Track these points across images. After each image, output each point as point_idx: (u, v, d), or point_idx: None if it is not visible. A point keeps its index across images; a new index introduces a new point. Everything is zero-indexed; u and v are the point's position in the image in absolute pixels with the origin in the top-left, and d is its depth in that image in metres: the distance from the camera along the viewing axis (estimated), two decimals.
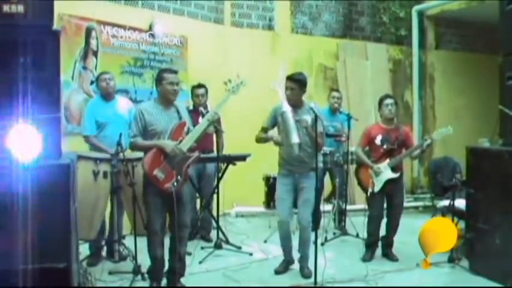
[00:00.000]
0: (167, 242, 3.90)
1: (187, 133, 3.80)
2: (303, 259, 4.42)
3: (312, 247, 4.09)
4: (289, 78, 4.30)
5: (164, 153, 3.68)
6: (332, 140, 5.73)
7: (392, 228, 4.89)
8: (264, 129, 4.40)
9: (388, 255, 4.89)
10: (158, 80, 3.84)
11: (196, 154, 3.84)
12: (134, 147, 3.81)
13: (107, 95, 4.61)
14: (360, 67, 7.94)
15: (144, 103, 4.27)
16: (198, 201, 5.66)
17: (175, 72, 3.94)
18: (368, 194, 4.82)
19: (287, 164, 4.32)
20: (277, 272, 4.43)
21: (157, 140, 3.73)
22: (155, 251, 3.77)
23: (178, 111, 3.86)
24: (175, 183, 3.68)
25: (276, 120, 4.35)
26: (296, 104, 4.27)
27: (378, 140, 4.85)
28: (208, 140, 5.25)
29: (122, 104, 4.69)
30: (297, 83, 4.26)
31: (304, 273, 4.35)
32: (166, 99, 3.82)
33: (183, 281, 3.95)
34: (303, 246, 4.42)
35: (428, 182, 8.41)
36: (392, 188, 4.81)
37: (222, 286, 4.12)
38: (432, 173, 7.90)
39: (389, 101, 4.89)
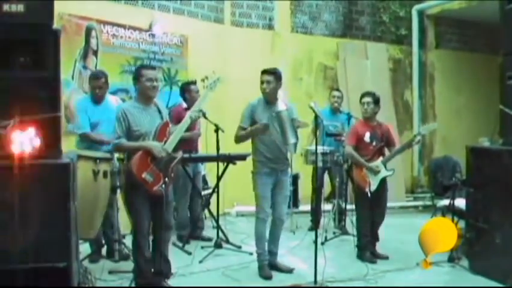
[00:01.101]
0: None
1: (170, 133, 3.73)
2: (275, 255, 4.44)
3: (311, 246, 4.08)
4: (265, 71, 4.24)
5: (151, 155, 3.59)
6: (332, 139, 5.73)
7: (379, 225, 4.87)
8: (243, 129, 4.25)
9: (375, 254, 4.82)
10: (136, 77, 3.71)
11: (180, 155, 3.80)
12: (119, 148, 3.75)
13: (98, 99, 4.59)
14: (360, 66, 7.93)
15: (125, 103, 4.19)
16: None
17: (154, 68, 3.84)
18: (369, 194, 4.68)
19: (271, 162, 4.24)
20: (269, 277, 4.26)
21: (142, 141, 3.65)
22: (145, 253, 3.70)
23: (159, 110, 3.79)
24: (163, 185, 3.61)
25: (253, 118, 4.23)
26: (272, 99, 4.19)
27: (367, 137, 4.79)
28: (193, 139, 5.25)
29: (113, 102, 4.66)
30: (272, 75, 4.19)
31: (285, 268, 4.40)
32: (146, 97, 3.71)
33: (170, 282, 3.86)
34: (275, 243, 4.43)
35: (428, 181, 8.41)
36: (382, 186, 4.79)
37: (222, 286, 4.12)
38: (433, 172, 7.91)
39: (365, 99, 4.83)
